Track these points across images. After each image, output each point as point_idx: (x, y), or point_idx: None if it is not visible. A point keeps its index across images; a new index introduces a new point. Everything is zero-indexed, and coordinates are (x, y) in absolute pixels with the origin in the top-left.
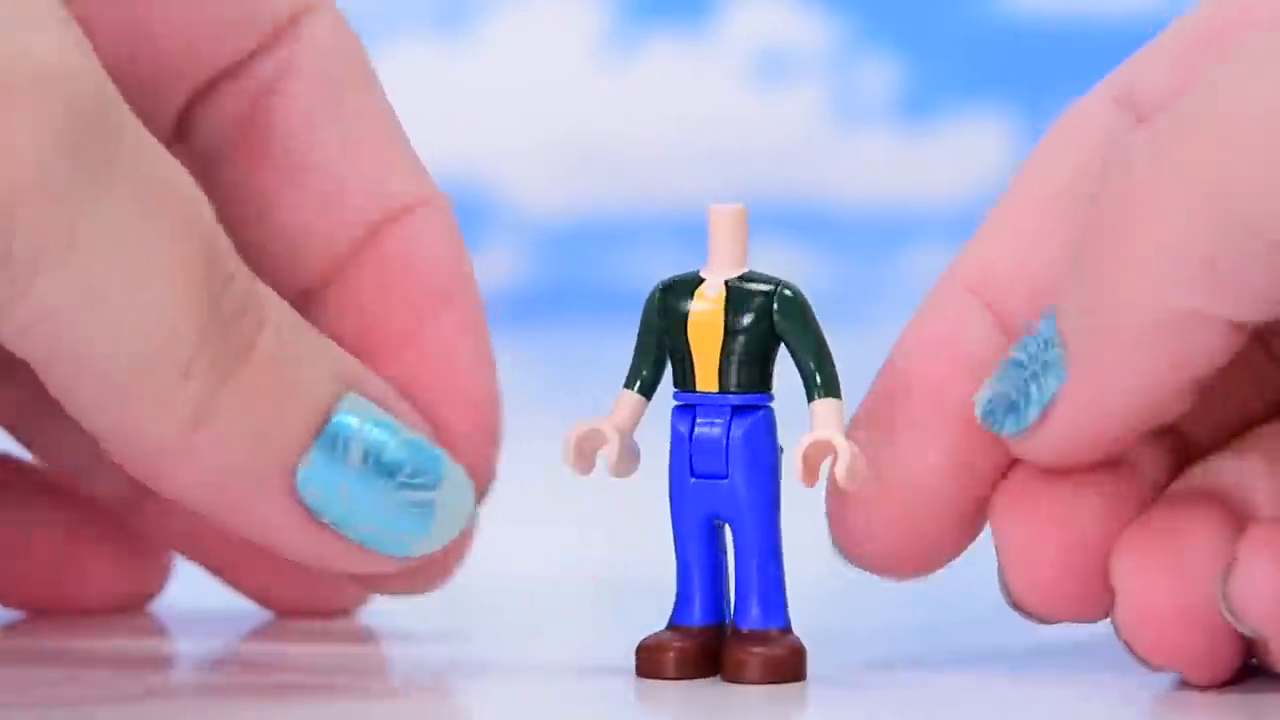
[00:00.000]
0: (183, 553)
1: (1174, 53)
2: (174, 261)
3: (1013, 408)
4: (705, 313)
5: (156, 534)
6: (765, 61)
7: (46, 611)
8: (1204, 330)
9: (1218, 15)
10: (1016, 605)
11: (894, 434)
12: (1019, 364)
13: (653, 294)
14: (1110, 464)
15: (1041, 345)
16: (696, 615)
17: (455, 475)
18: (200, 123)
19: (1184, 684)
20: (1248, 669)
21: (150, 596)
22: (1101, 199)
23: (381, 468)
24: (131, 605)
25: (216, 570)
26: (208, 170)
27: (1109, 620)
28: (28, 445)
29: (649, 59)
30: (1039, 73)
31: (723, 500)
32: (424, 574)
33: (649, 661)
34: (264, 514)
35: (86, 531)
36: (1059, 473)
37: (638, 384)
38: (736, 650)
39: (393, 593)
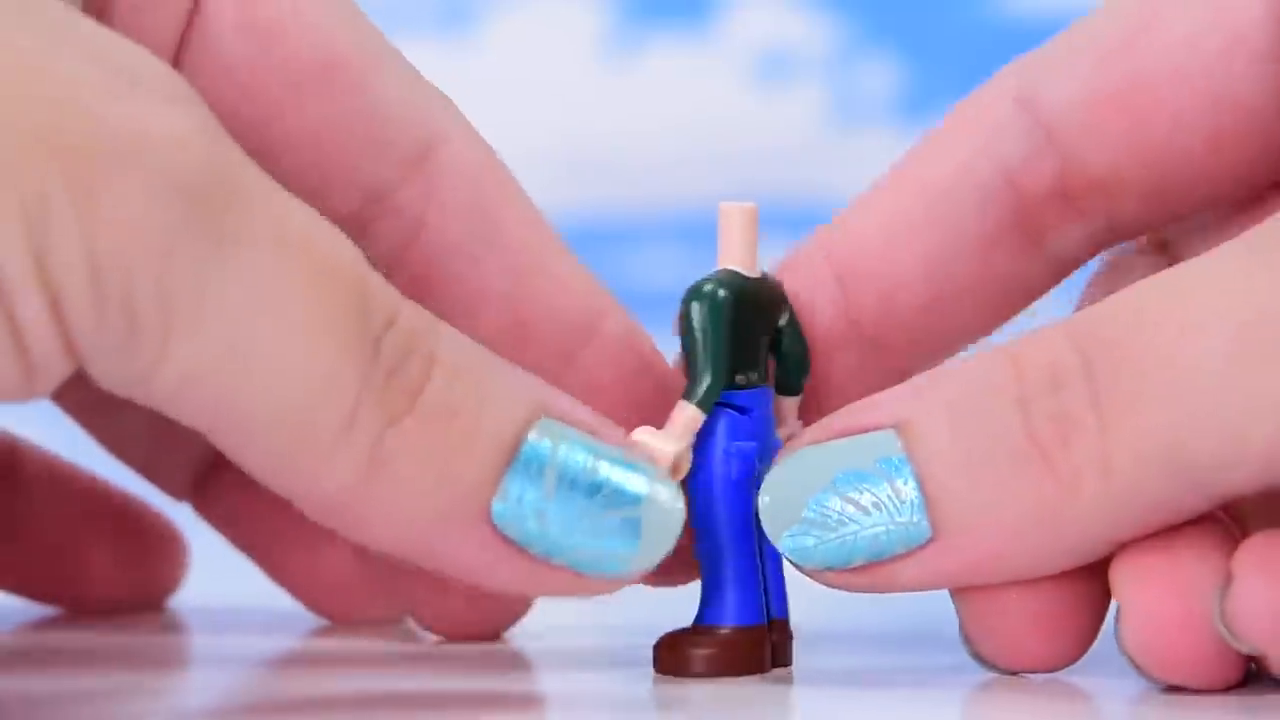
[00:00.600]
0: (236, 543)
1: (1084, 63)
2: (318, 313)
3: (837, 551)
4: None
5: (214, 522)
6: (766, 62)
7: (61, 605)
8: None
9: (1126, 22)
10: (1141, 670)
11: None
12: (855, 518)
13: (726, 298)
14: (1211, 516)
15: (896, 503)
16: (758, 613)
17: (660, 487)
18: None
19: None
20: (1248, 671)
21: (167, 593)
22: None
23: (581, 489)
24: (147, 601)
25: (261, 562)
26: None
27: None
28: (97, 437)
29: (650, 60)
30: None
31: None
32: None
33: (740, 659)
34: (465, 554)
35: (100, 524)
36: (1173, 532)
37: (732, 378)
38: (784, 640)
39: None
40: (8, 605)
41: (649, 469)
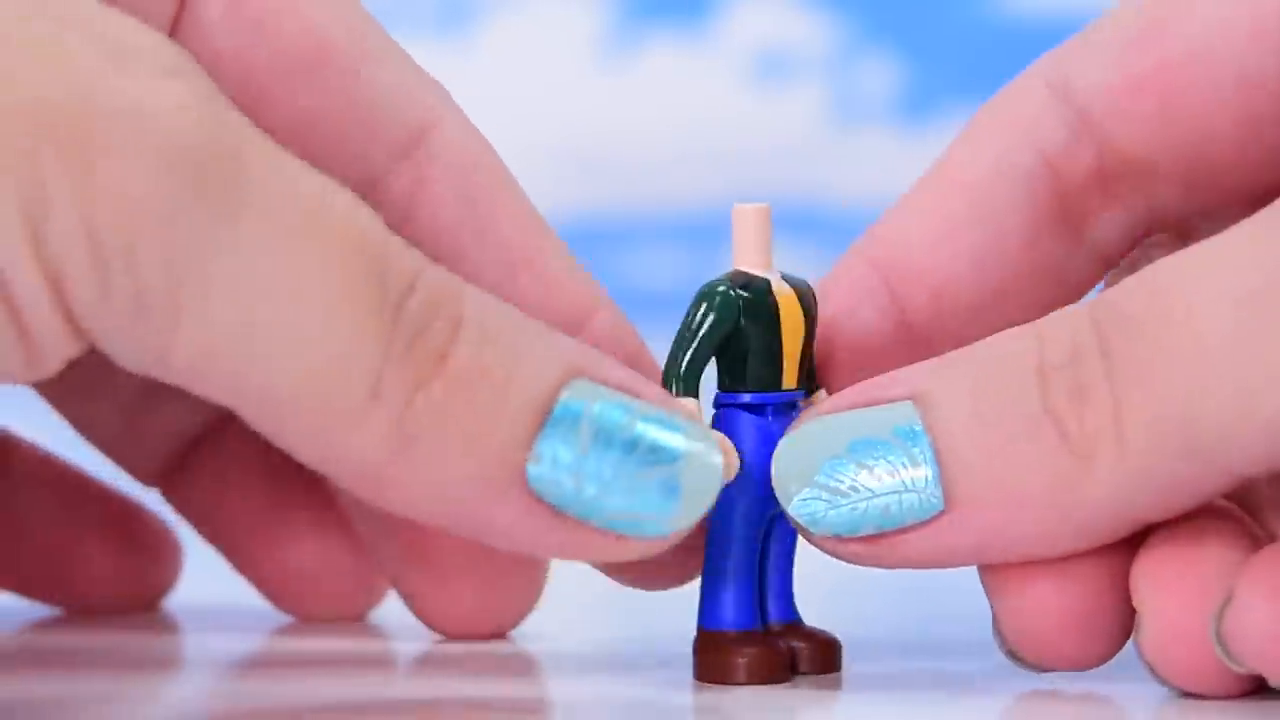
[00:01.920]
0: (203, 534)
1: (1114, 47)
2: (334, 281)
3: (847, 519)
4: (792, 312)
5: (182, 512)
6: (765, 62)
7: (55, 603)
8: None
9: (1154, 7)
10: (1160, 678)
11: None
12: (870, 490)
13: (728, 296)
14: (1233, 519)
15: (911, 472)
16: (753, 617)
17: (698, 443)
18: None
19: None
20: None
21: (161, 593)
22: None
23: (617, 447)
24: (142, 601)
25: (227, 553)
26: None
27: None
28: (67, 418)
29: (649, 60)
30: None
31: None
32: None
33: (720, 666)
34: (501, 519)
35: (93, 523)
36: (1196, 540)
37: (697, 387)
38: (807, 644)
39: (657, 584)
40: (1, 605)
41: (687, 425)
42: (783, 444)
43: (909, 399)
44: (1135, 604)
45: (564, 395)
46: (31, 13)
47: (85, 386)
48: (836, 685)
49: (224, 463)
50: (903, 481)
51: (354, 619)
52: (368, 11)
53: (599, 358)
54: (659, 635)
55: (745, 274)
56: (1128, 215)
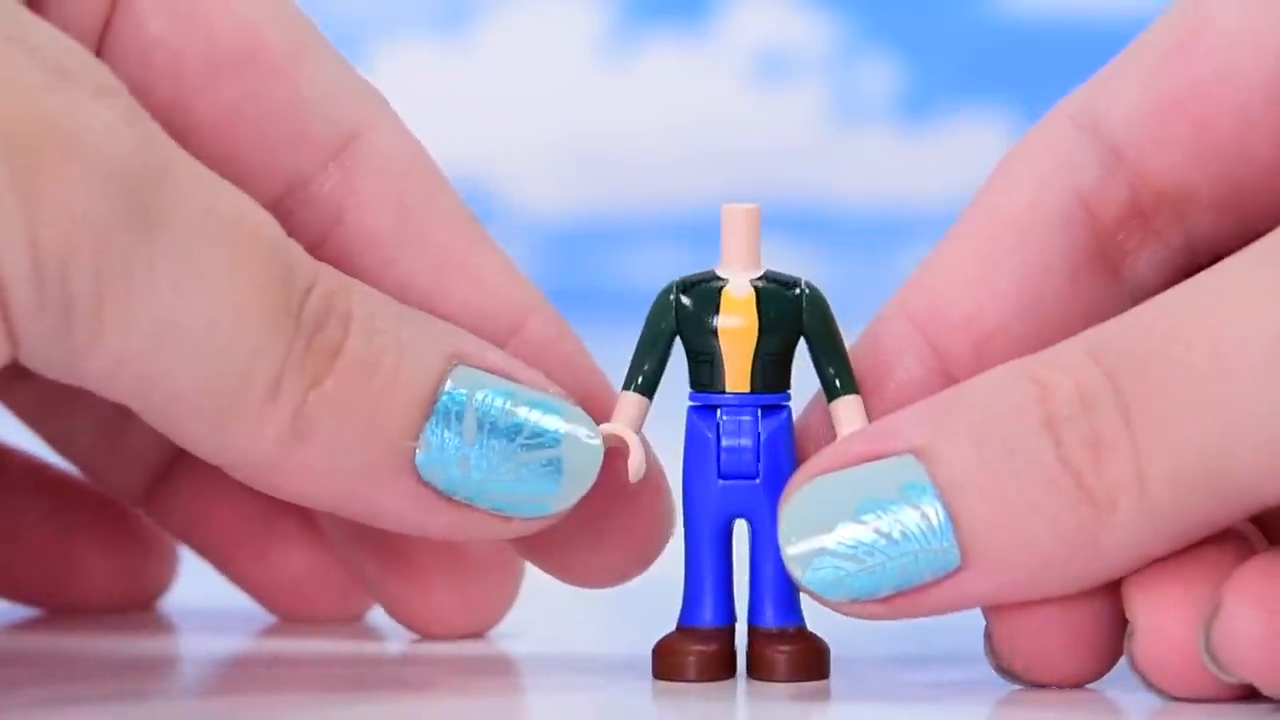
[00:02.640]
0: (191, 546)
1: (1140, 75)
2: (243, 287)
3: (866, 582)
4: (738, 315)
5: (167, 527)
6: (765, 62)
7: (51, 607)
8: None
9: (1177, 29)
10: (1153, 689)
11: None
12: (887, 547)
13: (666, 295)
14: (1226, 533)
15: (925, 530)
16: (709, 617)
17: (577, 425)
18: None
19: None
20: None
21: (157, 594)
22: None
23: (500, 433)
24: (137, 602)
25: (218, 564)
26: None
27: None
28: (44, 437)
29: (649, 60)
30: (1038, 73)
31: (749, 501)
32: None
33: (669, 664)
34: (393, 505)
35: (87, 526)
36: (1188, 550)
37: (641, 383)
38: (764, 649)
39: (602, 580)
40: None
41: (566, 408)
42: (786, 512)
43: (910, 453)
44: (1128, 615)
45: (448, 384)
46: None
47: (60, 404)
48: (824, 692)
49: (207, 475)
50: (918, 540)
51: (351, 620)
52: (304, 14)
53: (479, 343)
54: (634, 634)
55: (704, 274)
56: (1166, 248)
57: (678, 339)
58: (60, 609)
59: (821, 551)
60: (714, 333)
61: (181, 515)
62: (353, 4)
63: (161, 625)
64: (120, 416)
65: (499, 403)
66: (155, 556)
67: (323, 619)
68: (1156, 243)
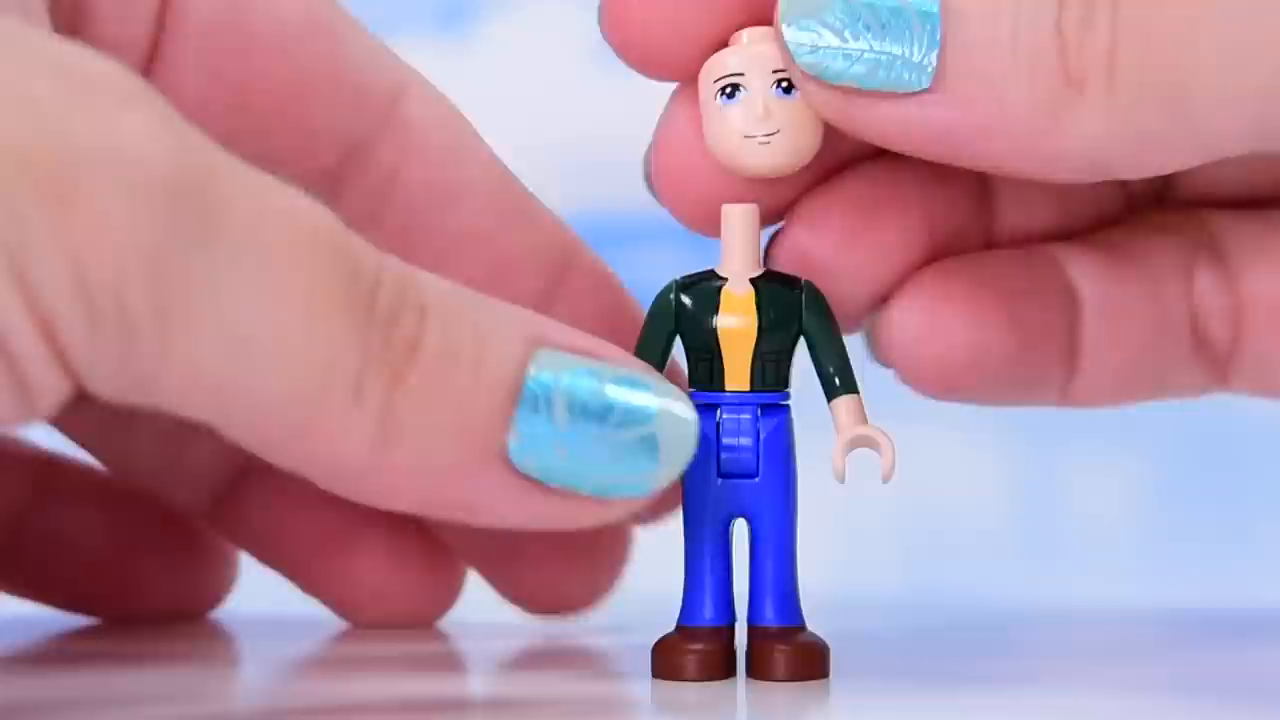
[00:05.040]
0: (260, 557)
1: None
2: (310, 287)
3: (833, 58)
4: (737, 314)
5: (235, 538)
6: None
7: (109, 616)
8: None
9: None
10: (884, 363)
11: None
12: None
13: (666, 294)
14: (1039, 263)
15: (912, 39)
16: (709, 616)
17: (668, 398)
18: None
19: (1197, 683)
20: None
21: (215, 602)
22: None
23: (591, 414)
24: (195, 611)
25: (292, 575)
26: None
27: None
28: (104, 460)
29: None
30: None
31: (749, 499)
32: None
33: (669, 664)
34: (488, 498)
35: (147, 536)
36: (980, 259)
37: None
38: (763, 648)
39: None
40: (54, 615)
41: (655, 383)
42: None
43: None
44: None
45: (532, 369)
46: None
47: (119, 432)
48: (824, 691)
49: (279, 485)
50: (903, 44)
51: (426, 625)
52: None
53: (557, 325)
54: (634, 634)
55: (703, 273)
56: None
57: (678, 338)
58: (119, 618)
59: (815, 15)
60: (714, 332)
61: (252, 527)
62: (352, 4)
63: (217, 633)
64: (180, 435)
65: (586, 383)
66: (214, 565)
67: (399, 624)
68: None
